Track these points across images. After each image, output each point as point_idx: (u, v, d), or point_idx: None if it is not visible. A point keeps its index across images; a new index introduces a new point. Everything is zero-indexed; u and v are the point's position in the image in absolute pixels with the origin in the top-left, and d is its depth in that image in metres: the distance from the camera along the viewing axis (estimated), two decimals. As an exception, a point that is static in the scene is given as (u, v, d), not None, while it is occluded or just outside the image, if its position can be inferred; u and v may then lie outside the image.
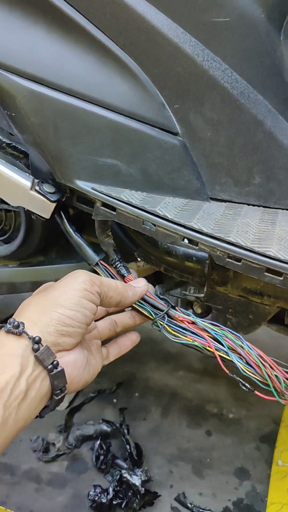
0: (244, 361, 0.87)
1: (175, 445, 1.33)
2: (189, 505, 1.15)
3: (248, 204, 0.98)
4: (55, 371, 0.62)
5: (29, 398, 0.59)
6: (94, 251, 0.98)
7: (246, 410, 1.45)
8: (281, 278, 0.81)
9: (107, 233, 0.98)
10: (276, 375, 0.85)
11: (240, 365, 0.86)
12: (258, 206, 0.99)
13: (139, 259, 1.06)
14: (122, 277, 0.97)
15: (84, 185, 0.88)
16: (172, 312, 0.91)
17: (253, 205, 0.98)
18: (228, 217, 0.91)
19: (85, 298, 0.68)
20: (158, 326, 0.91)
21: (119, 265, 0.98)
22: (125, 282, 0.95)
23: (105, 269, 0.96)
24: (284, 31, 0.92)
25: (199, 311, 1.07)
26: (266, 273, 0.82)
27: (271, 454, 1.30)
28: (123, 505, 1.13)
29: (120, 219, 0.88)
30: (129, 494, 1.14)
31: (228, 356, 0.87)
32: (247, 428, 1.39)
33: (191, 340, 0.89)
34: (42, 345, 0.61)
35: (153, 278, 1.28)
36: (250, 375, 0.86)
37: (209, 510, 1.14)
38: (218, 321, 1.03)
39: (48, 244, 1.18)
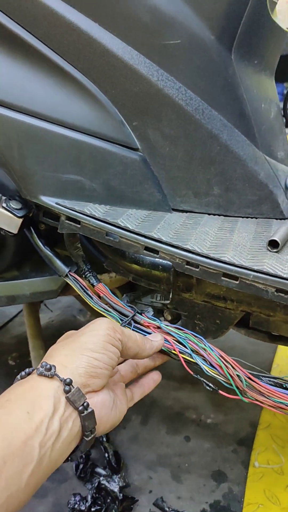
0: (208, 363, 0.91)
1: (154, 451, 1.36)
2: (167, 509, 1.18)
3: (209, 214, 1.04)
4: (86, 412, 0.64)
5: (62, 438, 0.60)
6: (63, 263, 1.03)
7: (224, 415, 1.49)
8: (237, 282, 0.86)
9: (75, 245, 1.02)
10: (237, 375, 0.89)
11: (204, 366, 0.90)
12: (219, 215, 1.04)
13: (109, 269, 1.11)
14: (92, 286, 1.01)
15: (49, 201, 0.93)
16: (138, 317, 0.95)
17: (214, 215, 1.04)
18: (187, 226, 0.96)
19: (109, 342, 0.72)
20: (125, 333, 0.95)
21: (88, 275, 1.02)
22: (95, 291, 1.00)
23: (74, 280, 1.01)
24: (234, 51, 0.98)
25: (169, 318, 1.11)
26: (223, 278, 0.87)
27: (248, 457, 1.34)
28: (102, 511, 1.16)
29: (84, 232, 0.92)
30: (108, 500, 1.17)
31: (192, 358, 0.91)
32: (225, 432, 1.42)
33: (157, 346, 0.93)
34: (73, 387, 0.64)
35: (128, 288, 1.33)
36: (213, 375, 0.90)
37: (186, 513, 1.17)
38: (187, 327, 1.07)
39: (22, 259, 1.22)
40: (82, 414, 0.64)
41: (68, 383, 0.64)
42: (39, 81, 0.91)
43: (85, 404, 0.64)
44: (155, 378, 0.94)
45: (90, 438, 0.66)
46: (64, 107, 0.92)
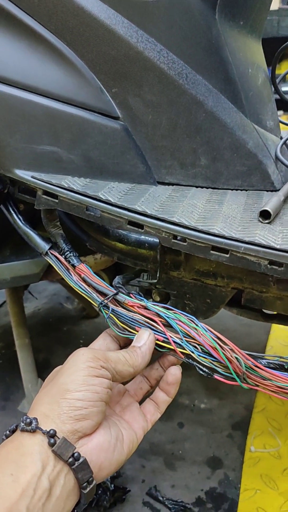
0: (200, 349, 0.83)
1: (146, 439, 1.31)
2: (161, 498, 1.13)
3: (196, 186, 0.98)
4: (76, 463, 0.57)
5: (54, 497, 0.54)
6: (43, 240, 0.96)
7: (218, 399, 1.44)
8: (228, 256, 0.80)
9: (54, 223, 0.96)
10: (236, 357, 0.81)
11: (197, 355, 0.83)
12: (207, 187, 0.98)
13: (92, 249, 1.05)
14: (73, 267, 0.95)
15: (23, 174, 0.86)
16: (121, 297, 0.89)
17: (202, 187, 0.98)
18: (174, 199, 0.90)
19: (91, 375, 0.64)
20: (104, 315, 0.88)
21: (69, 255, 0.96)
22: (76, 272, 0.93)
23: (55, 259, 0.94)
24: (218, 10, 0.92)
25: (157, 298, 1.06)
26: (212, 252, 0.81)
27: (243, 441, 1.29)
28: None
29: (63, 207, 0.86)
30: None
31: (185, 348, 0.83)
32: (219, 417, 1.38)
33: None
34: (59, 438, 0.57)
35: (114, 269, 1.27)
36: (207, 363, 0.82)
37: (181, 502, 1.12)
38: (177, 307, 1.01)
39: (1, 242, 1.15)
40: (73, 467, 0.57)
41: (51, 435, 0.56)
42: (8, 44, 0.84)
43: (74, 454, 0.57)
44: (174, 373, 0.84)
45: (88, 489, 0.58)
46: (37, 72, 0.85)
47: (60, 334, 1.79)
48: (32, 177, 0.86)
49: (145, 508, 1.12)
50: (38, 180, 0.85)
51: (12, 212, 0.96)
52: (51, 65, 0.86)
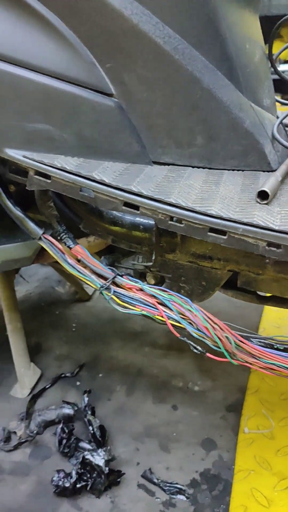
0: (195, 326, 0.85)
1: (141, 422, 1.31)
2: (156, 481, 1.13)
3: (193, 167, 0.95)
4: None
5: None
6: (37, 224, 0.94)
7: (212, 381, 1.44)
8: (225, 237, 0.79)
9: (48, 204, 0.93)
10: (226, 336, 0.83)
11: (191, 330, 0.84)
12: (203, 168, 0.96)
13: (85, 231, 1.02)
14: (69, 248, 0.93)
15: (14, 154, 0.83)
16: (119, 280, 0.88)
17: (198, 167, 0.95)
18: (170, 179, 0.87)
19: None
20: (105, 297, 0.87)
21: (64, 236, 0.94)
22: (72, 254, 0.91)
23: (49, 243, 0.92)
24: (216, -19, 0.88)
25: (152, 281, 1.04)
26: (209, 233, 0.79)
27: (237, 423, 1.29)
28: (88, 488, 1.10)
29: (56, 187, 0.83)
30: (94, 475, 1.11)
31: (179, 322, 0.85)
32: (213, 399, 1.38)
33: (140, 310, 0.86)
34: None
35: (107, 252, 1.24)
36: (200, 338, 0.84)
37: (176, 483, 1.12)
38: (172, 290, 0.99)
39: (-10, 224, 1.12)
40: None
41: None
42: (-4, 16, 0.80)
43: None
44: None
45: None
46: (27, 46, 0.82)
47: (52, 317, 1.77)
48: (24, 156, 0.83)
49: (140, 490, 1.12)
50: (30, 159, 0.82)
51: (3, 195, 0.93)
52: (42, 39, 0.82)
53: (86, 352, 1.59)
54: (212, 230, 0.78)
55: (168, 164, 0.94)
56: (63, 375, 1.46)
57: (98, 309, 1.84)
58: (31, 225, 0.92)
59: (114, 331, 1.70)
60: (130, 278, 0.91)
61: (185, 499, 1.09)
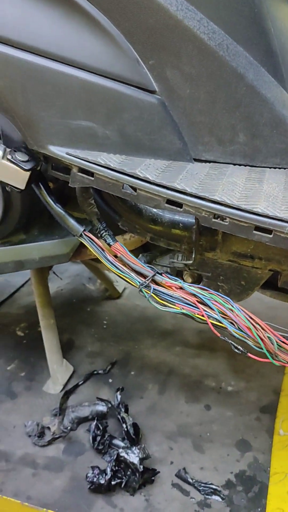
0: (236, 326, 0.84)
1: (173, 421, 1.30)
2: (191, 480, 1.12)
3: (234, 164, 0.94)
4: None
5: None
6: (77, 222, 0.94)
7: (245, 382, 1.42)
8: (271, 236, 0.77)
9: (89, 201, 0.93)
10: (268, 337, 0.82)
11: (233, 330, 0.83)
12: (244, 165, 0.94)
13: (124, 229, 1.02)
14: (108, 246, 0.93)
15: (58, 151, 0.83)
16: (158, 278, 0.87)
17: (239, 165, 0.94)
18: (213, 177, 0.86)
19: None
20: (145, 295, 0.87)
21: (104, 233, 0.94)
22: (112, 251, 0.91)
23: (89, 240, 0.92)
24: (262, -24, 0.87)
25: (189, 280, 1.03)
26: (254, 232, 0.78)
27: (272, 424, 1.28)
28: (122, 485, 1.10)
29: (98, 185, 0.83)
30: (128, 473, 1.11)
31: (220, 322, 0.84)
32: (247, 400, 1.36)
33: (179, 308, 0.86)
34: None
35: (142, 250, 1.24)
36: (242, 338, 0.83)
37: (211, 484, 1.11)
38: (210, 289, 0.99)
39: (29, 221, 1.13)
40: None
41: None
42: (42, 13, 0.81)
43: None
44: None
45: None
46: (72, 43, 0.82)
47: (83, 314, 1.77)
48: (67, 153, 0.83)
49: (174, 489, 1.11)
50: (74, 156, 0.82)
51: (44, 191, 0.93)
52: (86, 35, 0.82)
53: (118, 349, 1.59)
54: (258, 228, 0.77)
55: (210, 162, 0.93)
56: (95, 372, 1.47)
57: (128, 307, 1.84)
58: (72, 222, 0.93)
59: (145, 329, 1.70)
60: (170, 276, 0.91)
61: (220, 500, 1.08)
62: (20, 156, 0.85)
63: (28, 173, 0.85)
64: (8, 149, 0.85)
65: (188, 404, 1.36)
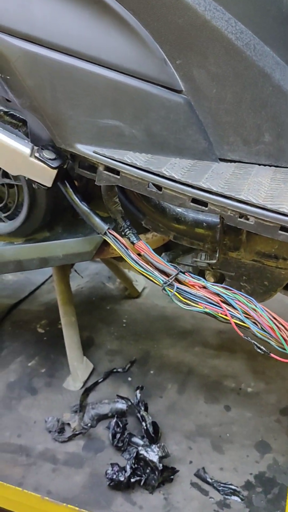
0: (259, 326, 0.84)
1: (192, 421, 1.30)
2: (210, 480, 1.12)
3: (259, 164, 0.94)
4: None
5: None
6: (102, 220, 0.95)
7: (265, 384, 1.42)
8: (297, 236, 0.77)
9: (114, 200, 0.94)
10: (292, 337, 0.81)
11: (256, 330, 0.83)
12: (269, 165, 0.94)
13: (147, 227, 1.02)
14: (132, 244, 0.93)
15: (85, 149, 0.84)
16: (181, 277, 0.88)
17: (264, 165, 0.94)
18: (238, 176, 0.86)
19: None
20: (168, 294, 0.88)
21: (128, 232, 0.95)
22: (135, 249, 0.92)
23: (114, 238, 0.93)
24: (290, -24, 0.87)
25: (211, 280, 1.03)
26: (280, 232, 0.78)
27: (292, 427, 1.27)
28: (141, 483, 1.11)
29: (124, 183, 0.84)
30: (147, 471, 1.12)
31: (243, 321, 0.84)
32: (267, 402, 1.36)
33: (202, 307, 0.86)
34: None
35: (163, 249, 1.25)
36: (265, 339, 0.82)
37: (230, 484, 1.11)
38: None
39: (53, 219, 1.15)
40: None
41: None
42: (72, 13, 0.82)
43: None
44: None
45: None
46: (101, 43, 0.83)
47: (103, 312, 1.79)
48: (94, 152, 0.84)
49: (193, 489, 1.11)
50: (100, 155, 0.83)
51: (70, 189, 0.94)
52: (114, 35, 0.83)
53: (137, 348, 1.60)
54: (283, 228, 0.77)
55: (235, 161, 0.93)
56: (115, 370, 1.48)
57: (147, 306, 1.85)
58: (97, 220, 0.94)
59: (164, 329, 1.70)
60: (192, 275, 0.91)
61: (239, 500, 1.08)
62: (48, 154, 0.86)
63: (55, 171, 0.86)
64: (35, 147, 0.86)
65: (207, 405, 1.36)
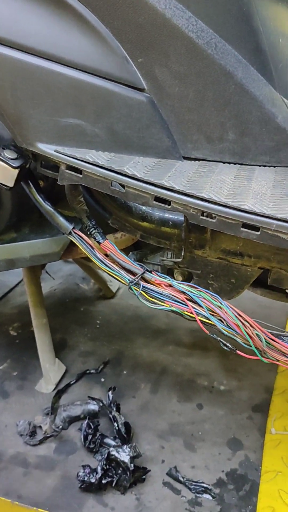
0: (225, 323, 0.84)
1: (165, 420, 1.30)
2: (182, 479, 1.12)
3: (224, 162, 0.94)
4: None
5: None
6: (67, 219, 0.94)
7: (238, 381, 1.42)
8: (258, 233, 0.77)
9: (78, 199, 0.94)
10: (257, 334, 0.82)
11: (221, 327, 0.83)
12: (234, 163, 0.95)
13: (114, 227, 1.02)
14: (98, 243, 0.93)
15: (46, 148, 0.84)
16: (148, 276, 0.88)
17: (229, 163, 0.94)
18: (201, 174, 0.87)
19: None
20: (134, 292, 0.87)
21: (94, 231, 0.94)
22: (101, 249, 0.91)
23: (79, 238, 0.92)
24: (250, -26, 0.87)
25: (180, 278, 1.03)
26: (242, 229, 0.78)
27: (264, 423, 1.28)
28: (113, 484, 1.10)
29: (87, 182, 0.84)
30: (119, 471, 1.11)
31: (209, 319, 0.84)
32: (239, 399, 1.36)
33: (169, 306, 0.86)
34: None
35: (133, 248, 1.24)
36: (231, 336, 0.83)
37: (202, 482, 1.11)
38: (200, 287, 0.99)
39: (20, 220, 1.13)
40: None
41: None
42: (32, 12, 0.81)
43: None
44: None
45: None
46: (61, 41, 0.82)
47: (77, 314, 1.77)
48: (56, 151, 0.83)
49: (165, 488, 1.11)
50: (62, 154, 0.83)
51: (34, 189, 0.93)
52: (75, 33, 0.82)
53: (111, 349, 1.59)
54: (245, 225, 0.77)
55: (199, 160, 0.93)
56: (87, 371, 1.47)
57: (122, 307, 1.84)
58: (61, 219, 0.93)
59: (138, 329, 1.70)
60: (159, 274, 0.91)
61: (211, 498, 1.08)
62: (9, 154, 0.85)
63: (17, 171, 0.85)
64: (-4, 147, 0.85)
65: (180, 403, 1.36)
